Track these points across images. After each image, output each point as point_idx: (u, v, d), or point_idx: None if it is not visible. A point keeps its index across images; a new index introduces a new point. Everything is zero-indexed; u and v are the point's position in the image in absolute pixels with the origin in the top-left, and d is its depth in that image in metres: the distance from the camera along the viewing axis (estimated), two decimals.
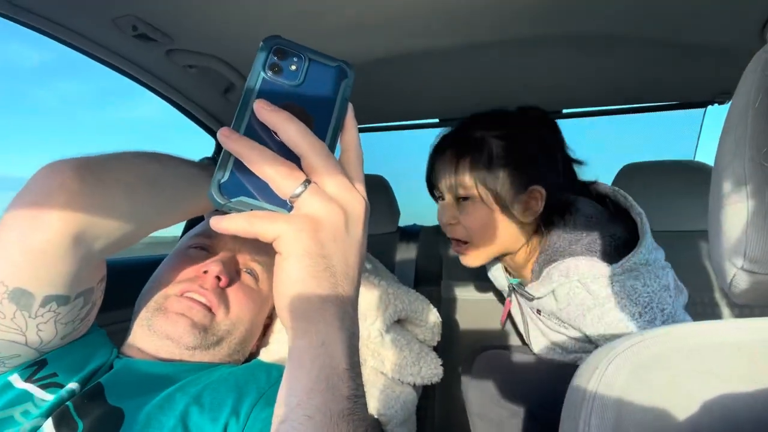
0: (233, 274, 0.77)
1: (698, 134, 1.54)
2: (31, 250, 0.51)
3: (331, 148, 0.40)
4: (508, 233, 0.93)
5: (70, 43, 0.98)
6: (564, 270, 0.88)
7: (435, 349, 1.13)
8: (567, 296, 0.88)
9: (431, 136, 1.81)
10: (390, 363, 0.95)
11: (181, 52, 1.08)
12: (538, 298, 0.93)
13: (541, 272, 0.93)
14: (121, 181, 0.56)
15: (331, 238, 0.38)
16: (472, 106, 1.61)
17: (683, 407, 0.31)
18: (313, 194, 0.37)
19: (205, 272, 0.74)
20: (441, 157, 0.96)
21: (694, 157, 1.54)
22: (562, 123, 1.66)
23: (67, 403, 0.57)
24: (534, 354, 1.17)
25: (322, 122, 0.39)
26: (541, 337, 1.05)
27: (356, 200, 0.39)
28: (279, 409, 0.38)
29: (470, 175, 0.90)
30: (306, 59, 0.39)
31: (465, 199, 0.92)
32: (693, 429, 0.30)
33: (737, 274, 0.37)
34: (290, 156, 0.37)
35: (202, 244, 0.79)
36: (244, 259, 0.80)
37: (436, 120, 1.74)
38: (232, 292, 0.76)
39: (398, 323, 1.03)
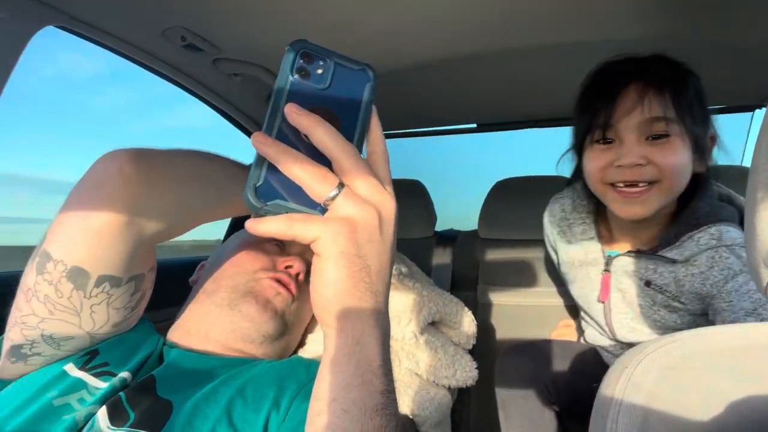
0: (306, 274, 0.82)
1: (746, 139, 1.49)
2: (89, 229, 0.55)
3: (359, 149, 0.40)
4: (685, 182, 0.85)
5: (123, 53, 1.04)
6: (716, 234, 0.84)
7: (471, 353, 1.13)
8: (711, 260, 0.84)
9: (468, 141, 1.83)
10: (425, 365, 0.96)
11: (227, 61, 1.12)
12: (682, 261, 0.87)
13: (676, 237, 0.88)
14: (171, 172, 0.59)
15: (367, 238, 0.39)
16: (511, 109, 1.62)
17: (711, 408, 0.31)
18: (348, 197, 0.38)
19: (288, 267, 0.80)
20: (626, 91, 0.84)
21: (742, 163, 1.49)
22: None
23: (120, 393, 0.61)
24: (569, 347, 1.16)
25: (349, 125, 0.40)
26: (628, 318, 0.99)
27: (387, 201, 0.40)
28: (315, 403, 0.40)
29: (674, 108, 0.81)
30: (332, 63, 0.40)
31: (664, 136, 0.83)
32: (720, 429, 0.30)
33: None
34: (320, 158, 0.38)
35: (277, 240, 0.83)
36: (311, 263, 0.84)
37: (474, 125, 1.74)
38: (303, 291, 0.81)
39: (433, 326, 1.04)
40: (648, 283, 0.93)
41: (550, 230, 1.17)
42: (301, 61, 0.39)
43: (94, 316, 0.59)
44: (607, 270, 1.00)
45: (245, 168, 0.66)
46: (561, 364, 1.14)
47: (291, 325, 0.79)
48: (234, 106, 1.39)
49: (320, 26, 0.96)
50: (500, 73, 1.29)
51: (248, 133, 1.47)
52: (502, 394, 1.16)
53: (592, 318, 1.10)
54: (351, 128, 0.40)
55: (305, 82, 0.39)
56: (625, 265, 0.97)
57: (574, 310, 1.51)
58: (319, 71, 0.40)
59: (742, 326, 0.36)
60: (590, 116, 0.88)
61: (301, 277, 0.81)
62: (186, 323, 0.76)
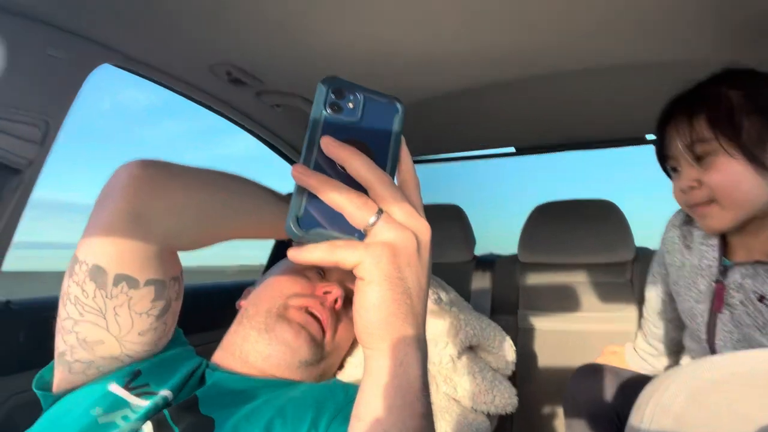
0: (346, 300, 0.83)
1: None
2: (99, 225, 0.59)
3: (391, 177, 0.42)
4: (758, 190, 0.83)
5: (173, 88, 1.10)
6: None
7: (511, 379, 1.11)
8: None
9: (507, 165, 1.83)
10: (463, 390, 0.95)
11: (269, 92, 1.18)
12: None
13: None
14: (182, 177, 0.62)
15: (406, 262, 0.40)
16: (549, 133, 1.61)
17: (738, 431, 0.30)
18: (387, 222, 0.39)
19: (326, 293, 0.81)
20: (670, 121, 0.89)
21: None
22: (646, 149, 1.62)
23: (164, 410, 0.63)
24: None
25: (380, 155, 0.42)
26: (734, 339, 0.93)
27: (423, 226, 0.41)
28: (357, 424, 0.41)
29: (709, 126, 0.83)
30: (361, 96, 0.42)
31: (704, 157, 0.84)
32: None
33: None
34: (355, 187, 0.39)
35: (318, 267, 0.85)
36: (352, 287, 0.85)
37: (512, 149, 1.74)
38: (341, 318, 0.82)
39: (471, 350, 1.04)
40: (762, 298, 0.88)
41: (671, 233, 1.10)
42: (333, 96, 0.41)
43: (119, 320, 0.61)
44: (719, 281, 0.95)
45: (270, 190, 0.68)
46: (633, 391, 1.11)
47: (328, 353, 0.80)
48: (276, 135, 1.45)
49: (358, 58, 0.99)
50: (538, 97, 1.30)
51: (290, 161, 1.52)
52: (569, 416, 1.13)
53: (694, 337, 1.04)
54: (383, 158, 0.42)
55: (338, 115, 0.41)
56: (739, 276, 0.91)
57: (619, 336, 1.46)
58: (350, 105, 0.41)
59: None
60: (657, 147, 0.93)
61: (339, 303, 0.81)
62: (228, 346, 0.79)
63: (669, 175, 0.95)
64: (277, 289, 0.81)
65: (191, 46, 0.94)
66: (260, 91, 1.16)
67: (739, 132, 0.81)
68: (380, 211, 0.39)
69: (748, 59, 0.98)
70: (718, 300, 0.94)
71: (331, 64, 1.02)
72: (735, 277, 0.91)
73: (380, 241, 0.39)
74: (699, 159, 0.85)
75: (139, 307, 0.62)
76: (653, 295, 1.18)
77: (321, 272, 0.86)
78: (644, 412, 0.35)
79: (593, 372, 1.16)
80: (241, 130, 1.40)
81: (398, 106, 0.43)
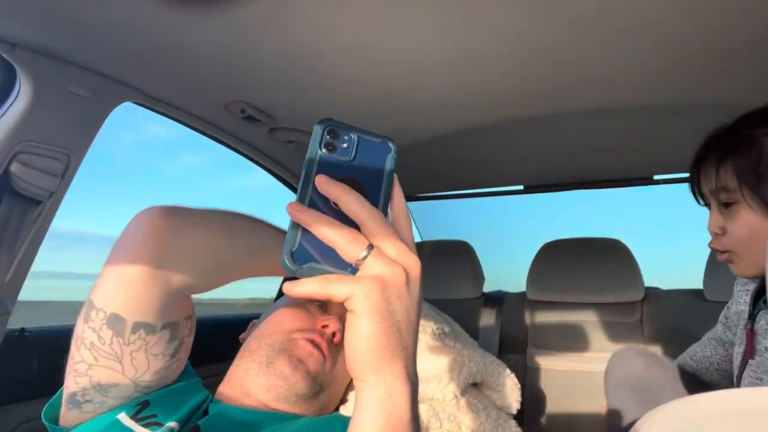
0: (343, 334, 0.83)
1: None
2: (122, 277, 0.59)
3: (383, 214, 0.43)
4: None
5: (190, 125, 1.15)
6: None
7: (520, 419, 1.09)
8: None
9: (515, 202, 1.84)
10: (467, 428, 0.94)
11: (282, 130, 1.22)
12: None
13: None
14: (202, 224, 0.64)
15: (396, 296, 0.41)
16: (558, 172, 1.63)
17: None
18: (378, 257, 0.40)
19: (325, 326, 0.82)
20: (703, 159, 0.86)
21: None
22: (654, 189, 1.63)
23: None
24: None
25: (373, 193, 0.43)
26: (762, 383, 0.87)
27: (413, 261, 0.42)
28: None
29: (734, 176, 0.80)
30: (355, 137, 0.44)
31: (730, 204, 0.83)
32: None
33: None
34: (349, 224, 0.41)
35: (319, 301, 0.87)
36: None
37: (521, 187, 1.76)
38: (340, 351, 0.83)
39: (475, 388, 1.03)
40: None
41: (737, 282, 1.08)
42: (328, 136, 0.43)
43: (135, 363, 0.62)
44: (749, 326, 0.92)
45: (277, 228, 0.70)
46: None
47: (326, 385, 0.80)
48: (289, 171, 1.49)
49: (367, 97, 1.03)
50: (546, 137, 1.32)
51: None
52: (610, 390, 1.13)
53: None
54: (375, 196, 0.44)
55: (332, 155, 0.43)
56: (764, 322, 0.88)
57: None
58: (345, 145, 0.43)
59: (759, 389, 0.35)
60: (690, 179, 0.91)
61: (338, 337, 0.82)
62: (231, 379, 0.80)
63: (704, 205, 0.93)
64: (279, 324, 0.82)
65: (207, 86, 0.99)
66: (273, 128, 1.20)
67: (764, 185, 0.78)
68: (371, 247, 0.41)
69: (758, 101, 1.01)
70: (749, 346, 0.91)
71: (341, 103, 1.05)
72: (761, 322, 0.89)
73: (370, 275, 0.40)
74: (726, 205, 0.83)
75: (155, 350, 0.63)
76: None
77: (322, 306, 0.88)
78: None
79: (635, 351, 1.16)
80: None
81: (391, 145, 0.45)
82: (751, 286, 0.94)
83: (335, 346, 0.82)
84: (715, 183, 0.83)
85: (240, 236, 0.66)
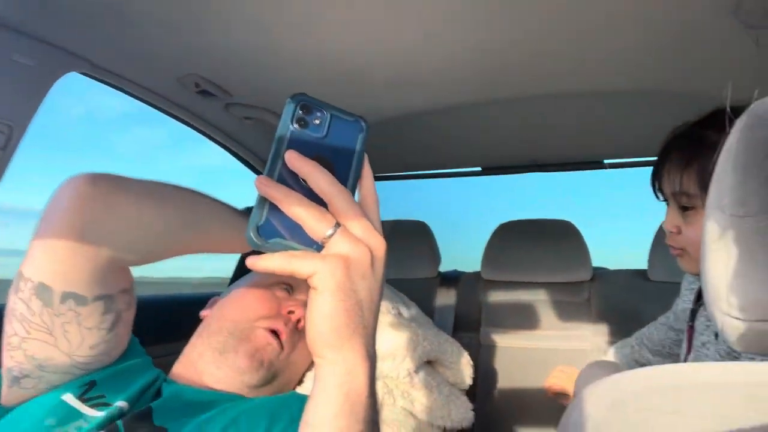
0: None
1: None
2: (47, 246, 0.58)
3: (352, 193, 0.43)
4: None
5: (141, 98, 1.11)
6: None
7: (472, 394, 1.12)
8: None
9: (473, 184, 1.87)
10: (419, 404, 0.97)
11: (239, 105, 1.19)
12: None
13: None
14: (132, 192, 0.61)
15: (360, 275, 0.41)
16: (515, 154, 1.66)
17: None
18: (344, 236, 0.41)
19: (290, 313, 0.82)
20: (667, 158, 0.86)
21: None
22: (604, 173, 1.68)
23: (117, 421, 0.63)
24: None
25: (343, 171, 0.43)
26: None
27: (379, 242, 0.43)
28: (305, 429, 0.43)
29: (696, 184, 0.81)
30: (328, 114, 0.44)
31: (688, 208, 0.84)
32: None
33: (725, 321, 0.39)
34: (316, 200, 0.41)
35: (287, 283, 0.86)
36: None
37: (479, 168, 1.79)
38: (301, 337, 0.83)
39: (429, 365, 1.06)
40: (717, 335, 0.88)
41: (684, 279, 1.11)
42: (300, 112, 0.43)
43: (68, 336, 0.60)
44: (692, 323, 0.95)
45: (226, 205, 0.69)
46: None
47: (279, 371, 0.80)
48: (246, 148, 1.46)
49: (326, 75, 1.01)
50: (505, 118, 1.34)
51: (258, 174, 1.52)
52: None
53: None
54: (345, 174, 0.44)
55: (304, 131, 0.43)
56: (705, 316, 0.92)
57: (576, 353, 1.50)
58: (317, 122, 0.43)
59: (690, 365, 0.38)
60: (652, 175, 0.91)
61: (302, 323, 0.81)
62: (185, 359, 0.79)
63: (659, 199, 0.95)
64: (243, 310, 0.81)
65: (159, 57, 0.95)
66: (229, 103, 1.17)
67: None
68: (338, 225, 0.41)
69: (694, 89, 1.05)
70: (688, 342, 0.96)
71: (300, 80, 1.04)
72: (701, 320, 0.93)
73: (336, 254, 0.40)
74: (684, 209, 0.85)
75: (88, 322, 0.61)
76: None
77: (289, 290, 0.87)
78: (568, 421, 0.37)
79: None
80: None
81: (363, 125, 0.45)
82: (696, 285, 0.98)
83: (297, 333, 0.82)
84: (678, 187, 0.83)
85: (175, 207, 0.64)
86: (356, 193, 0.46)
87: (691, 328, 0.95)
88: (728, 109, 0.39)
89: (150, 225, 0.62)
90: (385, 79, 1.05)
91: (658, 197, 0.93)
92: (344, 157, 0.44)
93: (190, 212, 0.65)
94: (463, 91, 1.12)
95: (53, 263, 0.58)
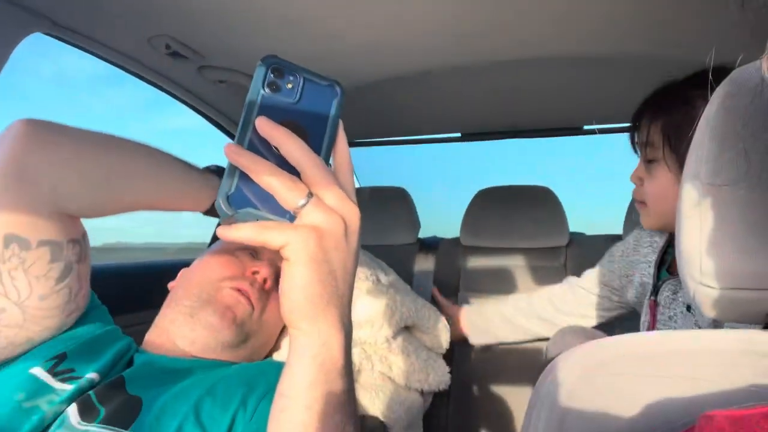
0: (275, 279, 0.82)
1: None
2: None
3: (326, 161, 0.42)
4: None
5: (110, 60, 1.06)
6: None
7: (449, 358, 1.14)
8: None
9: (452, 149, 1.86)
10: (397, 368, 0.98)
11: (212, 68, 1.15)
12: None
13: None
14: (70, 135, 0.59)
15: (333, 245, 0.41)
16: (494, 120, 1.65)
17: (624, 408, 0.33)
18: (316, 206, 0.40)
19: (254, 273, 0.81)
20: (642, 112, 0.89)
21: None
22: (583, 139, 1.69)
23: (90, 392, 0.63)
24: None
25: (316, 138, 0.42)
26: None
27: (353, 211, 0.42)
28: (280, 399, 0.43)
29: (660, 134, 0.83)
30: (301, 78, 0.42)
31: (652, 161, 0.86)
32: (631, 426, 0.33)
33: (697, 289, 0.40)
34: (289, 169, 0.40)
35: (250, 247, 0.84)
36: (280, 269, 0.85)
37: (459, 134, 1.78)
38: (271, 297, 0.82)
39: (407, 330, 1.07)
40: (689, 307, 0.89)
41: (619, 265, 1.13)
42: (272, 75, 0.41)
43: (16, 284, 0.58)
44: (655, 297, 0.96)
45: (182, 160, 0.66)
46: None
47: (253, 332, 0.80)
48: (220, 112, 1.42)
49: (304, 37, 0.98)
50: (484, 84, 1.32)
51: (233, 138, 1.49)
52: None
53: None
54: (318, 141, 0.42)
55: (276, 96, 0.41)
56: (671, 289, 0.93)
57: None
58: (289, 86, 0.41)
59: (660, 333, 0.38)
60: (631, 128, 0.93)
61: (269, 283, 0.81)
62: (157, 327, 0.78)
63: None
64: (207, 273, 0.81)
65: (127, 16, 0.91)
66: (202, 66, 1.13)
67: (684, 147, 0.83)
68: (310, 194, 0.40)
69: (674, 54, 1.04)
70: (652, 318, 0.97)
71: (275, 42, 1.00)
72: (667, 292, 0.93)
73: (308, 224, 0.40)
74: (649, 161, 0.87)
75: (34, 269, 0.59)
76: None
77: (253, 252, 0.86)
78: (542, 387, 0.38)
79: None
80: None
81: (338, 89, 0.43)
82: (653, 257, 0.99)
83: (265, 293, 0.81)
84: (645, 137, 0.86)
85: (118, 155, 0.61)
86: (331, 160, 0.44)
87: (654, 303, 0.96)
88: (710, 77, 0.38)
89: (90, 170, 0.59)
90: (362, 42, 1.02)
91: (636, 151, 0.94)
92: (318, 122, 0.43)
93: (134, 162, 0.62)
94: (441, 55, 1.10)
95: None
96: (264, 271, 0.81)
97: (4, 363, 0.61)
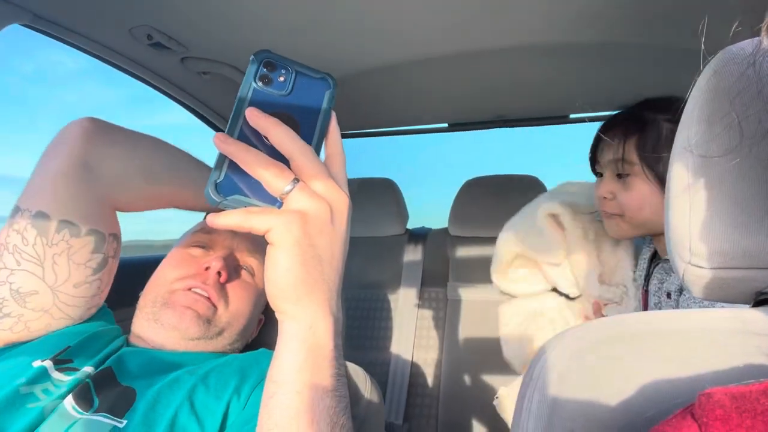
0: (232, 270, 0.81)
1: None
2: (48, 172, 0.62)
3: (317, 151, 0.43)
4: (659, 214, 0.92)
5: (92, 52, 1.04)
6: None
7: (440, 348, 1.14)
8: None
9: (440, 140, 1.86)
10: None
11: (195, 59, 1.13)
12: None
13: None
14: (128, 132, 0.68)
15: (318, 230, 0.41)
16: (481, 110, 1.65)
17: (618, 388, 0.33)
18: (302, 191, 0.40)
19: (207, 269, 0.78)
20: (608, 133, 0.97)
21: None
22: (570, 128, 1.69)
23: (87, 380, 0.63)
24: None
25: (308, 129, 0.43)
26: None
27: (340, 197, 0.43)
28: (270, 385, 0.43)
29: (636, 153, 0.91)
30: (293, 71, 0.43)
31: (626, 176, 0.94)
32: (624, 407, 0.33)
33: (686, 269, 0.40)
34: (279, 159, 0.40)
35: (202, 242, 0.83)
36: (242, 256, 0.84)
37: (446, 125, 1.77)
38: (232, 287, 0.80)
39: None
40: (669, 295, 0.94)
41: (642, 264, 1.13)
42: (264, 69, 0.42)
43: (56, 269, 0.62)
44: (646, 287, 1.03)
45: (200, 161, 0.73)
46: None
47: (227, 325, 0.78)
48: (205, 104, 1.40)
49: (287, 26, 0.97)
50: (471, 73, 1.32)
51: (218, 130, 1.48)
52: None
53: None
54: (310, 132, 0.43)
55: (267, 89, 0.42)
56: (658, 278, 0.99)
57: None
58: (281, 79, 0.42)
59: (653, 313, 0.38)
60: (591, 149, 1.02)
61: (224, 276, 0.78)
62: (134, 329, 0.78)
63: (594, 174, 1.04)
64: (160, 276, 0.80)
65: (108, 7, 0.89)
66: (185, 57, 1.12)
67: (659, 162, 0.89)
68: (296, 181, 0.40)
69: (660, 41, 1.05)
70: (644, 306, 1.02)
71: (258, 33, 0.99)
72: (655, 281, 1.00)
73: (293, 209, 0.40)
74: (620, 176, 0.94)
75: (78, 257, 0.63)
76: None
77: (204, 245, 0.83)
78: (534, 369, 0.38)
79: None
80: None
81: (330, 82, 0.44)
82: (647, 254, 1.05)
83: (224, 286, 0.79)
84: (620, 154, 0.92)
85: (165, 151, 0.70)
86: (323, 151, 0.45)
87: (646, 293, 1.02)
88: (702, 47, 0.38)
89: (144, 165, 0.67)
90: (347, 32, 1.01)
91: (594, 169, 1.02)
92: (309, 114, 0.43)
93: (178, 159, 0.70)
94: (427, 44, 1.09)
95: (53, 193, 0.62)
96: (216, 264, 0.78)
97: (11, 354, 0.63)
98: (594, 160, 1.01)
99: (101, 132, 0.65)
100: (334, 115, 0.44)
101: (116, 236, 0.69)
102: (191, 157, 0.72)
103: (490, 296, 1.63)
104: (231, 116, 0.41)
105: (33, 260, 0.61)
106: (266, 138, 0.41)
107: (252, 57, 0.42)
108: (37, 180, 0.63)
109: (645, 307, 1.01)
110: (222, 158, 0.40)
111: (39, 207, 0.61)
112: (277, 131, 0.40)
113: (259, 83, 0.42)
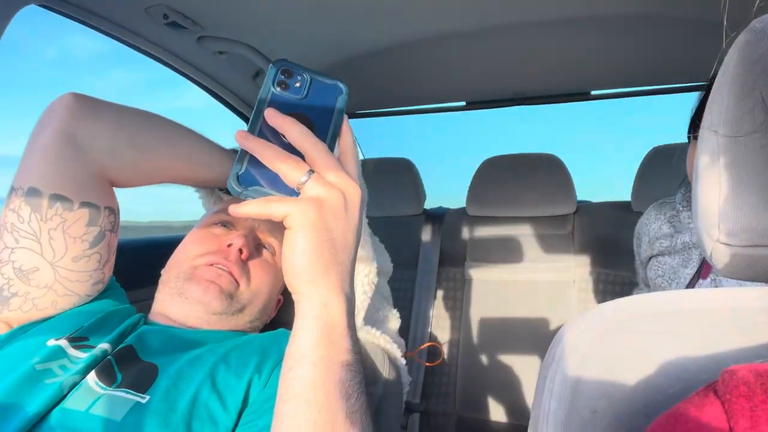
0: (253, 248, 0.81)
1: None
2: (36, 152, 0.63)
3: (330, 148, 0.47)
4: None
5: (109, 32, 1.04)
6: None
7: (458, 328, 1.14)
8: None
9: (457, 119, 1.84)
10: None
11: (212, 39, 1.13)
12: None
13: None
14: (114, 105, 0.67)
15: (333, 216, 0.45)
16: (499, 87, 1.62)
17: (641, 368, 0.33)
18: (317, 181, 0.44)
19: (229, 246, 0.79)
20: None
21: None
22: (590, 105, 1.66)
23: (109, 356, 0.64)
24: None
25: (322, 129, 0.48)
26: None
27: (353, 188, 0.46)
28: (287, 361, 0.46)
29: None
30: (308, 78, 0.48)
31: None
32: (646, 387, 0.33)
33: (715, 247, 0.39)
34: (295, 154, 0.45)
35: (225, 221, 0.84)
36: (263, 236, 0.84)
37: (463, 103, 1.75)
38: (253, 265, 0.81)
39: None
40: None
41: (656, 224, 1.12)
42: (282, 76, 0.47)
43: (53, 244, 0.63)
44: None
45: (210, 141, 0.74)
46: None
47: (248, 302, 0.79)
48: (221, 85, 1.40)
49: (305, 5, 0.96)
50: (489, 50, 1.30)
51: (236, 111, 1.48)
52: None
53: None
54: (324, 131, 0.48)
55: (285, 93, 0.47)
56: None
57: (558, 285, 1.54)
58: (297, 84, 0.48)
59: (676, 292, 0.38)
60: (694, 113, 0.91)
61: (245, 253, 0.79)
62: (156, 306, 0.79)
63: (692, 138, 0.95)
64: (183, 252, 0.81)
65: None
66: (201, 36, 1.11)
67: None
68: (311, 171, 0.44)
69: (686, 13, 1.02)
70: (706, 268, 0.98)
71: (276, 11, 0.98)
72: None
73: (309, 196, 0.44)
74: None
75: (73, 230, 0.64)
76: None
77: (227, 224, 0.84)
78: (556, 350, 0.37)
79: None
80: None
81: (342, 87, 0.49)
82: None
83: (246, 263, 0.80)
84: None
85: (156, 124, 0.69)
86: (336, 149, 0.50)
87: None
88: (725, 22, 0.36)
89: (132, 137, 0.67)
90: (365, 10, 1.00)
91: (694, 133, 0.92)
92: (323, 115, 0.48)
93: (171, 132, 0.70)
94: (444, 20, 1.08)
95: (42, 167, 0.62)
96: (238, 242, 0.78)
97: (25, 335, 0.64)
98: (696, 125, 0.88)
99: (85, 106, 0.65)
100: (346, 117, 0.49)
101: (113, 210, 0.69)
102: (183, 127, 0.72)
103: (508, 276, 1.63)
104: (252, 116, 0.46)
105: (30, 237, 0.62)
106: (283, 136, 0.45)
107: (270, 65, 0.48)
108: (27, 157, 0.63)
109: (708, 270, 0.97)
110: (243, 153, 0.45)
111: (30, 183, 0.61)
112: (294, 129, 0.44)
113: (277, 88, 0.47)
